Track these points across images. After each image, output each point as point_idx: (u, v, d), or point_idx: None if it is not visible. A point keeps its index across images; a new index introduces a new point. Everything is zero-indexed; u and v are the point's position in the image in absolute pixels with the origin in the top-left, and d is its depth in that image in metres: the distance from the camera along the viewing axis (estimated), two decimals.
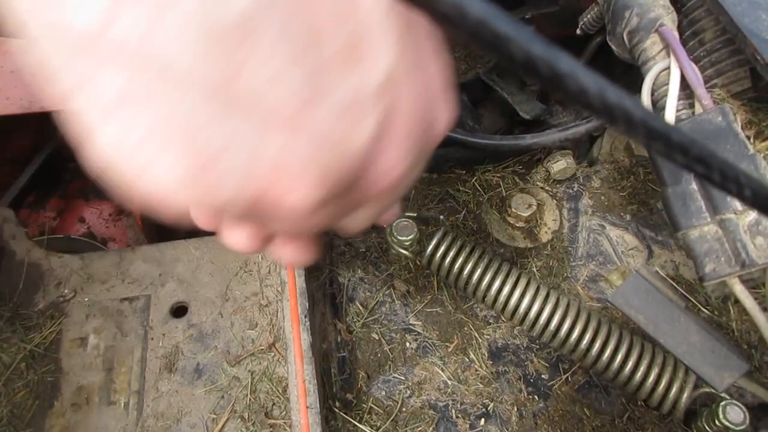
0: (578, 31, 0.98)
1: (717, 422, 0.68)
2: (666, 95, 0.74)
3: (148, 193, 0.23)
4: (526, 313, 0.77)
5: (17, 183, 1.53)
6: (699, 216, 0.68)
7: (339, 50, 0.22)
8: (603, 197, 0.97)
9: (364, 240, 0.93)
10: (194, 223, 0.31)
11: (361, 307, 0.86)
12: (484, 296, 0.80)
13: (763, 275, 0.69)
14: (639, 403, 0.77)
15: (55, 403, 0.79)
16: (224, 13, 0.19)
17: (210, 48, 0.19)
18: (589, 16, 0.94)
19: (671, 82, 0.73)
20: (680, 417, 0.73)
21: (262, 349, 0.83)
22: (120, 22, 0.19)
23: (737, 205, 0.65)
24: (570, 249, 0.93)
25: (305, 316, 0.76)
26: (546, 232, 0.94)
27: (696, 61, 0.78)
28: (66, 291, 0.89)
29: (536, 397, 0.79)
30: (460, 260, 0.81)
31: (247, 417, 0.78)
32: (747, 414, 0.67)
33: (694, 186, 0.69)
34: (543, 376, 0.81)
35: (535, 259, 0.91)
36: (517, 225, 0.94)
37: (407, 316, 0.85)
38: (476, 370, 0.81)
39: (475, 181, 0.99)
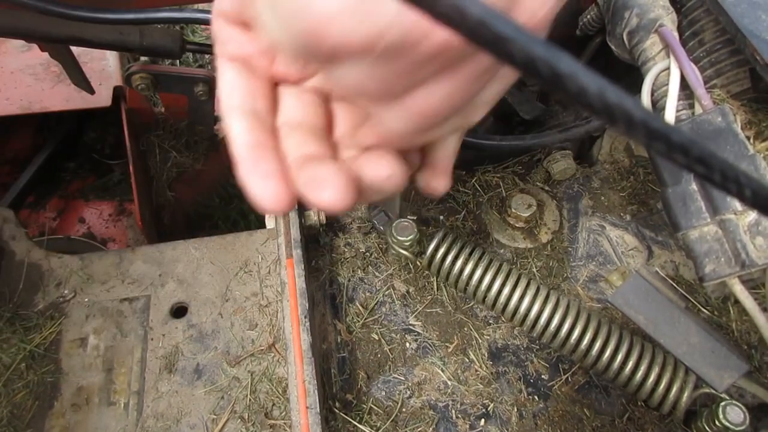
0: (578, 32, 0.98)
1: (717, 423, 0.68)
2: (666, 96, 0.74)
3: (310, 20, 0.24)
4: (526, 313, 0.77)
5: (17, 183, 1.53)
6: (699, 216, 0.68)
7: None
8: (603, 198, 0.97)
9: (364, 240, 0.93)
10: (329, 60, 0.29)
11: (361, 308, 0.86)
12: (484, 297, 0.80)
13: (763, 276, 0.69)
14: (639, 403, 0.77)
15: (55, 403, 0.79)
16: None
17: None
18: (588, 16, 0.94)
19: (671, 83, 0.73)
20: (680, 417, 0.73)
21: (262, 350, 0.83)
22: None
23: (737, 205, 0.65)
24: (570, 249, 0.93)
25: (305, 317, 0.76)
26: (546, 233, 0.94)
27: (696, 61, 0.78)
28: (66, 291, 0.89)
29: (536, 397, 0.79)
30: (460, 261, 0.81)
31: (247, 417, 0.78)
32: (747, 414, 0.67)
33: (694, 186, 0.69)
34: (543, 376, 0.81)
35: (535, 260, 0.91)
36: (517, 225, 0.94)
37: (407, 317, 0.85)
38: (476, 371, 0.81)
39: (475, 181, 0.99)
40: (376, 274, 0.90)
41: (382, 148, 0.37)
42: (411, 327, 0.85)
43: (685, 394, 0.71)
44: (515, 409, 0.78)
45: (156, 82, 1.25)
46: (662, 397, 0.72)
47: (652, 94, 0.77)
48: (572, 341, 0.75)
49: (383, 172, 0.35)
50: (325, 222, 0.90)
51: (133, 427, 0.77)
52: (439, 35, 0.24)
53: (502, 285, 0.79)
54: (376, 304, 0.87)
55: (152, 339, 0.85)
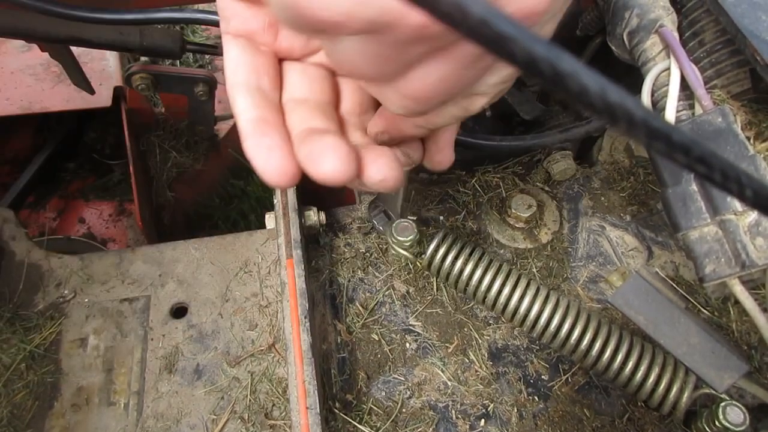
0: (578, 32, 0.98)
1: (717, 423, 0.68)
2: (666, 96, 0.74)
3: None
4: (526, 314, 0.77)
5: (17, 183, 1.53)
6: (699, 217, 0.68)
7: None
8: (603, 198, 0.97)
9: (364, 241, 0.93)
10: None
11: (361, 308, 0.86)
12: (484, 297, 0.80)
13: (764, 276, 0.69)
14: (639, 403, 0.77)
15: (54, 404, 0.79)
16: None
17: None
18: (589, 17, 0.95)
19: (671, 83, 0.73)
20: (680, 418, 0.73)
21: (262, 350, 0.83)
22: None
23: (737, 205, 0.65)
24: (570, 250, 0.93)
25: (305, 317, 0.76)
26: (546, 233, 0.94)
27: (696, 62, 0.78)
28: (66, 292, 0.89)
29: (536, 397, 0.79)
30: (460, 261, 0.81)
31: (247, 418, 0.77)
32: (747, 415, 0.67)
33: (694, 187, 0.69)
34: (543, 376, 0.81)
35: (535, 260, 0.91)
36: (517, 226, 0.94)
37: (407, 317, 0.85)
38: (476, 371, 0.81)
39: (475, 181, 0.99)
40: (376, 274, 0.90)
41: (383, 146, 0.37)
42: (411, 327, 0.85)
43: (685, 395, 0.71)
44: (515, 410, 0.78)
45: (156, 82, 1.26)
46: (662, 397, 0.72)
47: (653, 95, 0.77)
48: (572, 342, 0.75)
49: (377, 175, 0.35)
50: (325, 222, 0.90)
51: (133, 428, 0.77)
52: (415, 17, 0.24)
53: (502, 285, 0.79)
54: (376, 304, 0.87)
55: (152, 339, 0.85)
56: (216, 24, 0.93)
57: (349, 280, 0.89)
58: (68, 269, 0.91)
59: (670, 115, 0.73)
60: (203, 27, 2.19)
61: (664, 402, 0.72)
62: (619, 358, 0.73)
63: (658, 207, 0.93)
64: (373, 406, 0.78)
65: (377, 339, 0.83)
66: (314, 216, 0.88)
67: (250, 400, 0.79)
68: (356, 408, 0.78)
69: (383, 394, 0.79)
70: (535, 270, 0.90)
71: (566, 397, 0.79)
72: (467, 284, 0.81)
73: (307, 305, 0.77)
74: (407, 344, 0.83)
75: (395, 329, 0.84)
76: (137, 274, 0.91)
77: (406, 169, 0.48)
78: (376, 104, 0.47)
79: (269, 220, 0.89)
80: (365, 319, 0.85)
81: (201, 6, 1.02)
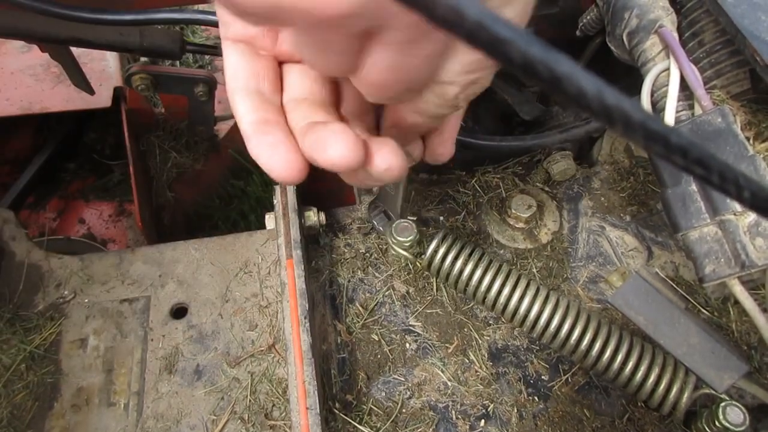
0: (578, 33, 0.98)
1: (717, 423, 0.68)
2: (666, 96, 0.74)
3: None
4: (526, 314, 0.77)
5: (17, 184, 1.53)
6: (699, 217, 0.68)
7: None
8: (603, 198, 0.97)
9: (364, 241, 0.93)
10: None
11: (361, 308, 0.86)
12: (484, 298, 0.80)
13: (763, 276, 0.69)
14: (639, 404, 0.77)
15: (54, 404, 0.79)
16: None
17: None
18: (588, 17, 0.94)
19: (671, 84, 0.73)
20: (680, 418, 0.73)
21: (262, 351, 0.83)
22: None
23: (737, 206, 0.65)
24: (570, 250, 0.93)
25: (305, 318, 0.76)
26: (546, 234, 0.94)
27: (695, 62, 0.78)
28: (66, 292, 0.89)
29: (536, 398, 0.79)
30: (459, 262, 0.81)
31: (247, 418, 0.78)
32: (747, 415, 0.67)
33: (694, 187, 0.69)
34: (543, 377, 0.81)
35: (535, 261, 0.91)
36: (517, 226, 0.94)
37: (407, 317, 0.85)
38: (476, 371, 0.81)
39: (475, 182, 0.99)
40: (376, 274, 0.90)
41: (387, 137, 0.38)
42: (411, 328, 0.85)
43: (685, 395, 0.71)
44: (515, 410, 0.78)
45: (156, 82, 1.26)
46: (662, 397, 0.72)
47: (652, 95, 0.77)
48: (572, 342, 0.75)
49: (383, 164, 0.36)
50: (325, 223, 0.90)
51: (133, 428, 0.77)
52: (330, 4, 0.25)
53: (502, 286, 0.79)
54: (376, 304, 0.87)
55: (152, 340, 0.85)
56: (216, 24, 0.93)
57: (349, 281, 0.89)
58: (68, 270, 0.91)
59: (670, 115, 0.73)
60: (203, 27, 2.19)
61: (664, 402, 0.72)
62: (619, 358, 0.73)
63: (658, 207, 0.93)
64: (373, 407, 0.78)
65: (377, 339, 0.83)
66: (314, 216, 0.88)
67: (250, 401, 0.79)
68: (356, 408, 0.78)
69: (383, 394, 0.79)
70: (535, 270, 0.90)
71: (566, 397, 0.79)
72: (467, 284, 0.81)
73: (307, 306, 0.77)
74: (407, 344, 0.83)
75: (395, 329, 0.85)
76: (137, 274, 0.91)
77: (411, 165, 0.48)
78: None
79: (269, 220, 0.89)
80: (365, 320, 0.85)
81: (201, 6, 1.02)
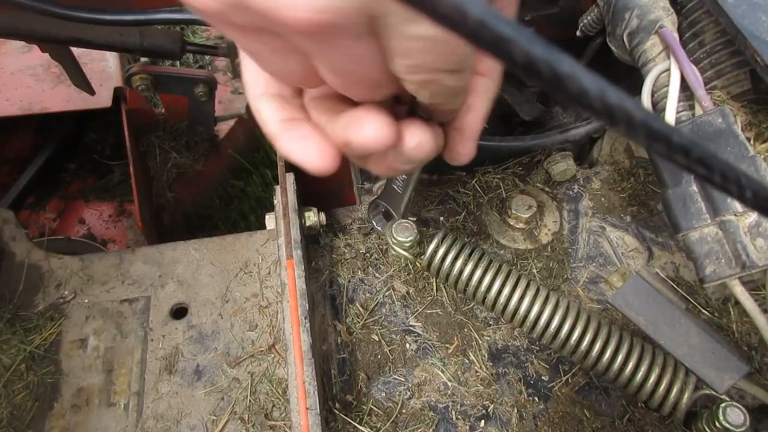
0: (578, 33, 0.98)
1: (717, 424, 0.68)
2: (666, 97, 0.74)
3: None
4: (526, 315, 0.77)
5: (17, 184, 1.53)
6: (699, 218, 0.68)
7: None
8: (603, 199, 0.97)
9: (364, 241, 0.93)
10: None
11: (361, 309, 0.86)
12: (484, 298, 0.80)
13: (764, 277, 0.69)
14: (639, 404, 0.77)
15: (54, 404, 0.79)
16: None
17: None
18: (589, 17, 0.94)
19: (671, 84, 0.73)
20: (680, 419, 0.73)
21: (262, 351, 0.83)
22: None
23: (737, 206, 0.65)
24: (570, 250, 0.93)
25: (305, 318, 0.76)
26: (546, 234, 0.94)
27: (696, 62, 0.78)
28: (66, 292, 0.89)
29: (536, 398, 0.79)
30: (459, 262, 0.81)
31: (247, 418, 0.77)
32: (747, 416, 0.67)
33: (694, 188, 0.69)
34: (543, 377, 0.81)
35: (535, 261, 0.91)
36: (517, 226, 0.94)
37: (407, 318, 0.85)
38: (476, 372, 0.81)
39: (475, 182, 0.99)
40: (376, 275, 0.90)
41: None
42: (411, 328, 0.85)
43: (686, 396, 0.71)
44: (515, 411, 0.78)
45: (156, 83, 1.26)
46: (662, 398, 0.72)
47: (653, 96, 0.77)
48: (572, 342, 0.75)
49: (413, 140, 0.36)
50: (325, 223, 0.90)
51: (133, 428, 0.77)
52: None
53: (502, 286, 0.79)
54: (376, 305, 0.87)
55: (152, 340, 0.85)
56: None
57: (349, 281, 0.89)
58: (68, 270, 0.91)
59: (670, 115, 0.73)
60: (203, 28, 2.19)
61: (665, 403, 0.72)
62: (620, 359, 0.73)
63: (659, 208, 0.93)
64: (373, 407, 0.78)
65: (377, 340, 0.83)
66: (314, 216, 0.88)
67: (250, 401, 0.79)
68: (356, 409, 0.78)
69: (383, 394, 0.79)
70: (535, 271, 0.90)
71: (566, 397, 0.79)
72: (467, 285, 0.81)
73: (307, 306, 0.77)
74: (407, 345, 0.83)
75: (395, 330, 0.84)
76: (137, 274, 0.91)
77: (430, 158, 0.48)
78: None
79: (269, 220, 0.89)
80: (365, 320, 0.85)
81: None
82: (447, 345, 0.83)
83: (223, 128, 1.55)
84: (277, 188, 0.88)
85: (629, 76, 0.89)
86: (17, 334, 0.83)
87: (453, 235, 0.84)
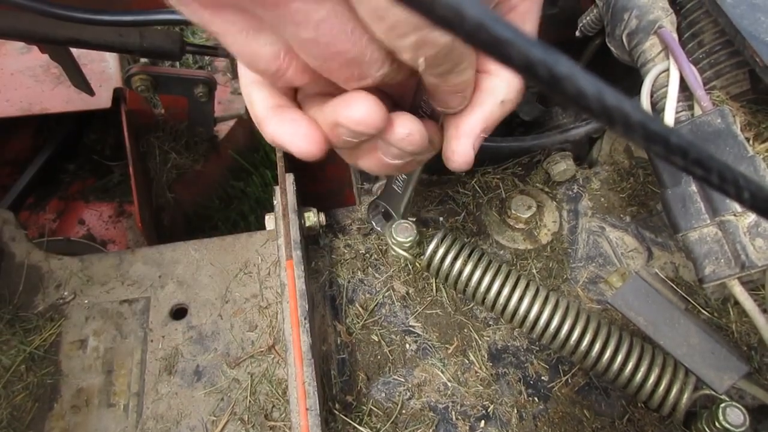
0: (577, 33, 0.98)
1: (717, 424, 0.68)
2: (665, 97, 0.74)
3: None
4: (526, 315, 0.77)
5: (17, 185, 1.53)
6: (698, 218, 0.68)
7: None
8: (603, 199, 0.97)
9: (364, 242, 0.93)
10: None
11: (360, 309, 0.86)
12: (484, 298, 0.80)
13: (763, 277, 0.69)
14: (639, 404, 0.77)
15: (54, 405, 0.79)
16: None
17: None
18: (588, 18, 0.94)
19: (670, 84, 0.73)
20: (680, 419, 0.73)
21: (262, 351, 0.83)
22: None
23: (736, 206, 0.65)
24: (570, 251, 0.93)
25: (305, 318, 0.76)
26: (546, 234, 0.94)
27: (695, 62, 0.78)
28: (65, 293, 0.89)
29: (536, 399, 0.79)
30: (459, 262, 0.81)
31: (246, 419, 0.77)
32: (747, 416, 0.67)
33: (694, 188, 0.69)
34: (543, 378, 0.81)
35: (535, 261, 0.91)
36: (517, 227, 0.94)
37: (407, 318, 0.85)
38: (476, 372, 0.81)
39: (475, 182, 0.99)
40: (376, 275, 0.90)
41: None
42: (411, 328, 0.85)
43: (685, 396, 0.71)
44: (515, 411, 0.78)
45: (156, 83, 1.26)
46: (662, 398, 0.72)
47: (652, 96, 0.77)
48: (572, 343, 0.75)
49: (403, 130, 0.37)
50: (324, 223, 0.90)
51: (132, 429, 0.77)
52: None
53: (502, 286, 0.79)
54: (375, 305, 0.87)
55: (152, 341, 0.85)
56: None
57: (348, 281, 0.89)
58: (68, 271, 0.91)
59: (670, 116, 0.73)
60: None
61: (664, 403, 0.72)
62: (619, 359, 0.73)
63: (658, 208, 0.93)
64: (373, 408, 0.78)
65: (377, 340, 0.83)
66: (314, 217, 0.88)
67: (250, 402, 0.79)
68: (356, 409, 0.78)
69: (383, 395, 0.79)
70: (534, 271, 0.90)
71: (566, 398, 0.79)
72: (467, 285, 0.81)
73: (306, 306, 0.77)
74: (407, 345, 0.83)
75: (395, 330, 0.84)
76: (137, 275, 0.91)
77: (426, 156, 0.47)
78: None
79: (269, 221, 0.89)
80: (365, 320, 0.85)
81: None
82: (447, 345, 0.83)
83: (223, 129, 1.56)
84: (277, 189, 0.88)
85: (628, 77, 0.89)
86: (17, 335, 0.83)
87: (453, 236, 0.84)
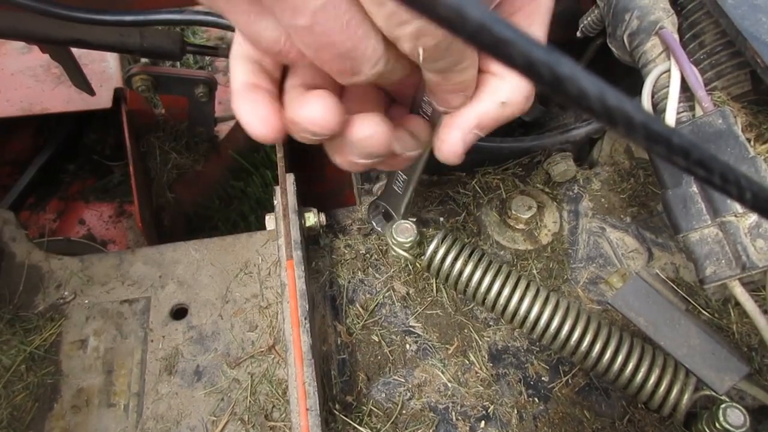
0: (578, 34, 0.98)
1: (717, 425, 0.68)
2: (666, 98, 0.74)
3: None
4: (527, 315, 0.77)
5: (17, 185, 1.53)
6: (699, 218, 0.68)
7: None
8: (603, 199, 0.97)
9: (364, 242, 0.93)
10: None
11: (361, 309, 0.86)
12: (484, 299, 0.80)
13: (764, 278, 0.69)
14: (639, 405, 0.77)
15: (54, 405, 0.79)
16: None
17: None
18: (589, 18, 0.94)
19: (671, 85, 0.73)
20: (680, 420, 0.73)
21: (262, 352, 0.83)
22: None
23: (737, 207, 0.65)
24: (570, 251, 0.93)
25: (305, 319, 0.76)
26: (546, 235, 0.94)
27: (696, 63, 0.78)
28: (66, 293, 0.89)
29: (536, 399, 0.79)
30: (459, 263, 0.81)
31: (246, 419, 0.77)
32: (747, 417, 0.67)
33: (695, 188, 0.69)
34: (543, 378, 0.81)
35: (535, 262, 0.91)
36: (517, 227, 0.94)
37: (407, 318, 0.85)
38: (476, 373, 0.81)
39: (475, 183, 0.99)
40: (377, 275, 0.90)
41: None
42: (411, 329, 0.85)
43: (686, 397, 0.71)
44: (515, 411, 0.78)
45: (156, 83, 1.26)
46: (662, 399, 0.72)
47: (653, 97, 0.77)
48: (572, 343, 0.75)
49: (364, 130, 0.37)
50: (325, 223, 0.90)
51: (132, 429, 0.77)
52: None
53: (502, 287, 0.79)
54: (376, 305, 0.87)
55: (152, 341, 0.85)
56: (216, 25, 0.93)
57: (349, 282, 0.89)
58: (68, 271, 0.91)
59: (671, 116, 0.73)
60: (203, 29, 2.19)
61: (665, 404, 0.72)
62: (620, 359, 0.73)
63: (659, 209, 0.93)
64: (373, 408, 0.78)
65: (377, 340, 0.83)
66: (314, 217, 0.88)
67: (250, 402, 0.79)
68: (356, 410, 0.78)
69: (383, 395, 0.79)
70: (535, 271, 0.90)
71: (566, 398, 0.79)
72: (467, 285, 0.81)
73: (307, 306, 0.77)
74: (407, 345, 0.83)
75: (395, 330, 0.84)
76: (137, 275, 0.91)
77: (415, 153, 0.47)
78: (377, 97, 0.47)
79: (269, 221, 0.89)
80: (365, 321, 0.85)
81: (201, 7, 1.02)
82: (447, 346, 0.83)
83: (223, 129, 1.56)
84: (277, 189, 0.88)
85: (629, 77, 0.89)
86: (17, 335, 0.83)
87: (453, 236, 0.84)
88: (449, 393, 0.79)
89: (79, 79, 1.17)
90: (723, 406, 0.68)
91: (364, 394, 0.79)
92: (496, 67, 0.41)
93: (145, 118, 1.40)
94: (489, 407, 0.78)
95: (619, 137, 1.02)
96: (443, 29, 0.17)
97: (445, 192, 0.99)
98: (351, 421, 0.76)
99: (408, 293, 0.88)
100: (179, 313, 0.88)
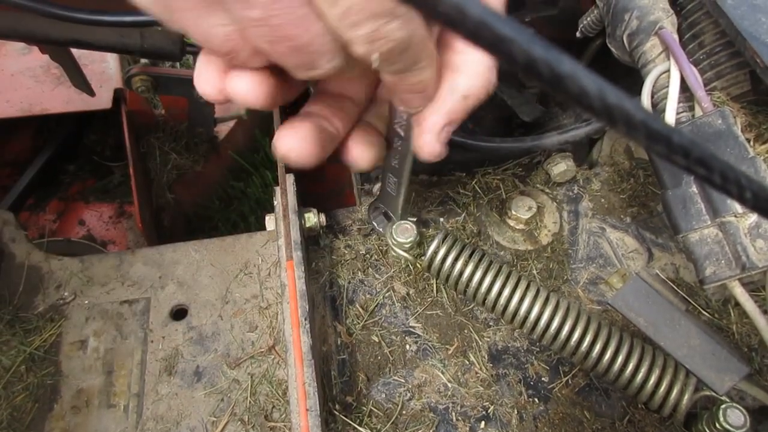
0: (578, 34, 0.99)
1: (717, 425, 0.68)
2: (666, 98, 0.74)
3: None
4: (526, 316, 0.77)
5: (17, 185, 1.53)
6: (699, 219, 0.68)
7: None
8: (603, 200, 0.97)
9: (364, 242, 0.93)
10: None
11: (361, 310, 0.86)
12: (484, 299, 0.80)
13: (764, 278, 0.69)
14: (639, 406, 0.77)
15: (54, 406, 0.79)
16: None
17: None
18: (588, 18, 0.95)
19: (671, 85, 0.73)
20: (681, 420, 0.73)
21: (262, 352, 0.83)
22: None
23: (737, 207, 0.65)
24: (570, 251, 0.93)
25: (305, 319, 0.76)
26: (546, 235, 0.94)
27: (696, 63, 0.78)
28: (66, 294, 0.89)
29: (536, 399, 0.79)
30: (459, 263, 0.81)
31: (246, 420, 0.77)
32: (747, 417, 0.67)
33: (694, 189, 0.69)
34: (543, 378, 0.81)
35: (535, 262, 0.91)
36: (517, 227, 0.94)
37: (407, 319, 0.85)
38: (476, 373, 0.81)
39: (475, 183, 0.99)
40: (376, 276, 0.90)
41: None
42: (411, 329, 0.85)
43: (686, 397, 0.71)
44: (515, 412, 0.78)
45: (156, 84, 1.26)
46: (663, 399, 0.72)
47: (652, 97, 0.77)
48: (572, 343, 0.75)
49: (241, 86, 0.39)
50: (325, 224, 0.90)
51: (132, 430, 0.77)
52: None
53: (502, 287, 0.79)
54: (376, 306, 0.87)
55: (152, 341, 0.85)
56: None
57: (349, 282, 0.89)
58: (68, 271, 0.91)
59: (670, 116, 0.73)
60: None
61: (665, 404, 0.72)
62: (620, 360, 0.73)
63: (659, 209, 0.93)
64: (373, 408, 0.77)
65: (377, 341, 0.83)
66: (314, 218, 0.88)
67: (250, 402, 0.79)
68: (356, 410, 0.77)
69: (383, 396, 0.79)
70: (535, 272, 0.90)
71: (566, 399, 0.79)
72: (467, 286, 0.81)
73: (307, 307, 0.77)
74: (407, 346, 0.83)
75: (395, 331, 0.84)
76: (137, 276, 0.91)
77: (333, 144, 0.48)
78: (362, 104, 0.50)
79: (269, 221, 0.89)
80: (365, 321, 0.85)
81: None
82: (447, 346, 0.83)
83: (223, 129, 1.56)
84: (277, 189, 0.88)
85: (629, 77, 0.89)
86: (17, 336, 0.83)
87: (453, 236, 0.84)
88: (449, 393, 0.79)
89: (79, 79, 1.17)
90: (723, 406, 0.68)
91: (364, 394, 0.79)
92: (453, 62, 0.41)
93: (144, 119, 1.40)
94: (489, 407, 0.78)
95: (619, 137, 1.02)
96: (444, 27, 0.17)
97: (445, 192, 0.99)
98: (351, 422, 0.76)
99: (408, 294, 0.88)
100: (179, 313, 0.88)
